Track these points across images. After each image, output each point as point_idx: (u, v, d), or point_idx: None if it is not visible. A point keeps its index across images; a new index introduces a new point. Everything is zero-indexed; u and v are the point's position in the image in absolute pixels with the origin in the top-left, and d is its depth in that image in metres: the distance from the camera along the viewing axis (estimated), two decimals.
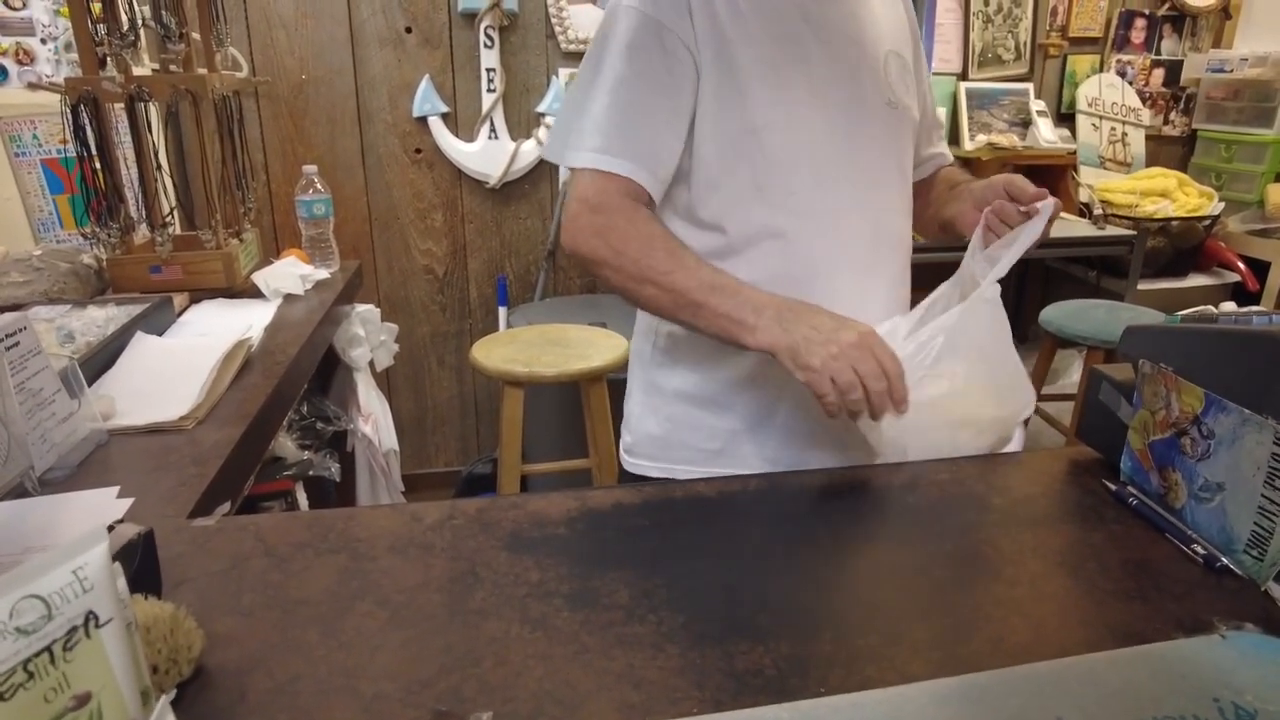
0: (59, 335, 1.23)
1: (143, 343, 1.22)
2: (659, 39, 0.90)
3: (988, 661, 0.58)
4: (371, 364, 1.82)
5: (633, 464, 1.11)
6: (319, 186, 1.71)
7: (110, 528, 0.64)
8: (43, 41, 2.33)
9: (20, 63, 2.34)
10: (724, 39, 0.91)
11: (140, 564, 0.62)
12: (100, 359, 1.15)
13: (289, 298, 1.55)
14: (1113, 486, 0.82)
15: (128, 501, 0.77)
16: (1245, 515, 0.69)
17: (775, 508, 0.80)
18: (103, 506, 0.74)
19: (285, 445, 1.53)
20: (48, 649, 0.34)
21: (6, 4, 2.27)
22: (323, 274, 1.66)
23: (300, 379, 1.35)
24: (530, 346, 1.74)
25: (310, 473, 1.50)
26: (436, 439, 2.68)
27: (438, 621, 0.62)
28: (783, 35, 0.93)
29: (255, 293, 1.55)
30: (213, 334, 1.30)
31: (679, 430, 1.05)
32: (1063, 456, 0.90)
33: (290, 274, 1.58)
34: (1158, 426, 0.79)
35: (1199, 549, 0.71)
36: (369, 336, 1.75)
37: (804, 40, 0.94)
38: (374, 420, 1.75)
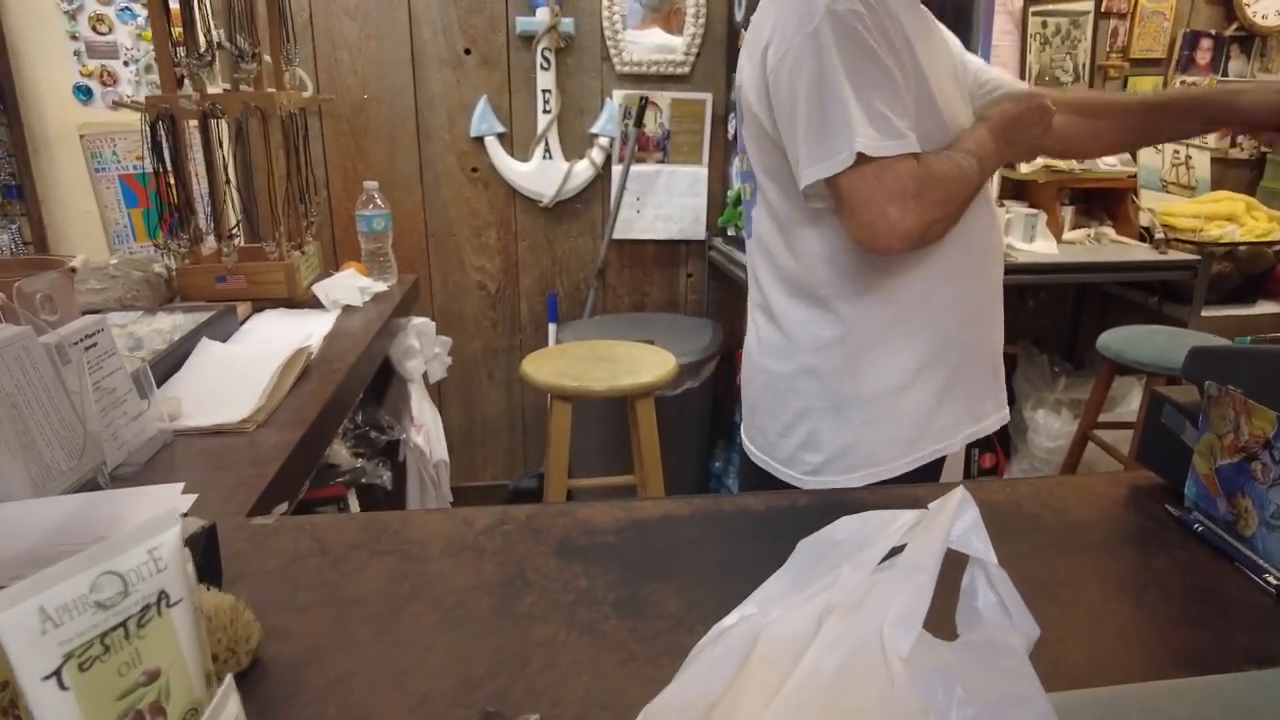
0: (128, 340, 1.28)
1: (208, 348, 1.27)
2: (885, 39, 0.96)
3: (1045, 685, 0.56)
4: (425, 376, 1.85)
5: (822, 482, 1.11)
6: (379, 202, 1.75)
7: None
8: (125, 64, 2.45)
9: (104, 84, 2.47)
10: (908, 39, 0.99)
11: (204, 556, 0.64)
12: (168, 363, 1.19)
13: (347, 309, 1.59)
14: (1176, 512, 0.80)
15: (192, 497, 0.80)
16: None
17: (823, 524, 0.79)
18: (169, 501, 0.77)
19: (339, 452, 1.57)
20: (123, 624, 0.35)
21: (94, 29, 2.40)
22: (380, 287, 1.71)
23: (356, 388, 1.39)
24: (580, 362, 1.76)
25: (363, 480, 1.53)
26: (484, 452, 2.71)
27: (487, 624, 0.63)
28: (932, 40, 1.05)
29: (315, 303, 1.60)
30: (274, 341, 1.34)
31: (876, 430, 1.09)
32: (1122, 481, 0.87)
33: (349, 286, 1.63)
34: (1225, 451, 0.76)
35: (1271, 579, 0.69)
36: (423, 349, 1.79)
37: (941, 54, 1.07)
38: (426, 431, 1.78)
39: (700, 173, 2.54)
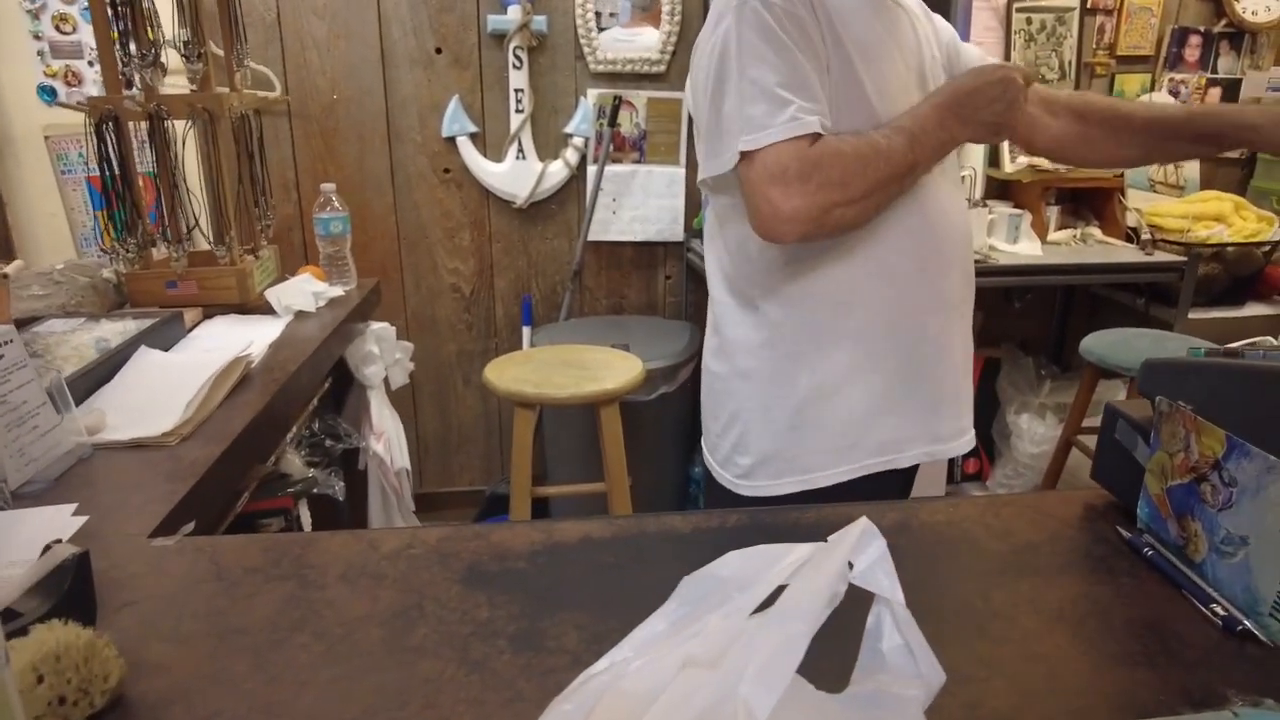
0: (66, 349, 1.24)
1: (145, 357, 1.23)
2: (798, 27, 0.93)
3: None
4: (387, 382, 1.81)
5: (752, 487, 1.08)
6: (336, 204, 1.71)
7: (48, 548, 0.63)
8: (90, 64, 2.41)
9: (69, 84, 2.43)
10: (837, 33, 0.95)
11: (72, 586, 0.60)
12: (101, 372, 1.15)
13: (301, 314, 1.55)
14: (1127, 534, 0.75)
15: (81, 520, 0.75)
16: (1271, 573, 0.62)
17: (749, 545, 0.75)
18: (55, 524, 0.73)
19: (292, 462, 1.52)
20: None
21: (57, 28, 2.36)
22: (336, 291, 1.66)
23: (299, 396, 1.34)
24: (545, 367, 1.72)
25: (315, 490, 1.49)
26: (460, 458, 2.67)
27: (373, 658, 0.59)
28: (876, 32, 0.99)
29: (270, 309, 1.55)
30: (219, 349, 1.29)
31: (803, 435, 1.05)
32: (1076, 499, 0.83)
33: (303, 291, 1.58)
34: (1176, 470, 0.72)
35: (1219, 609, 0.64)
36: (383, 354, 1.74)
37: (888, 39, 1.01)
38: (386, 439, 1.73)
39: (678, 173, 2.50)
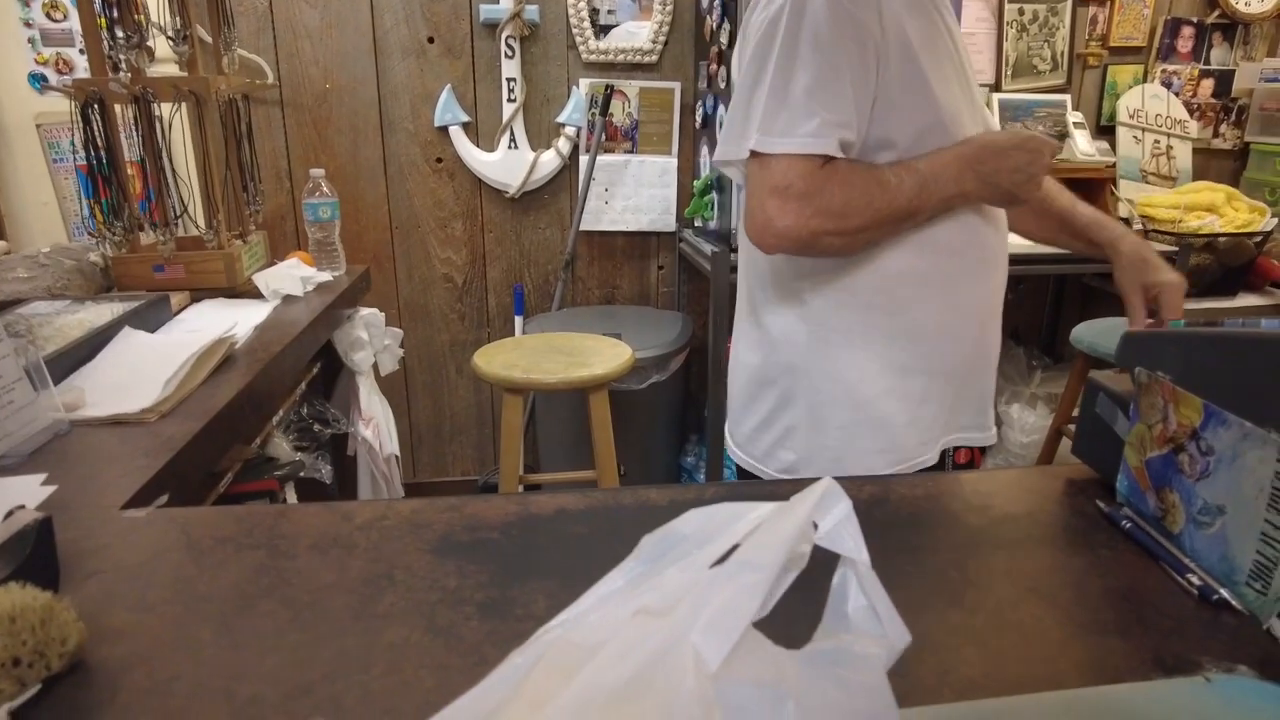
0: (50, 330, 1.24)
1: (128, 338, 1.22)
2: (854, 28, 0.89)
3: (928, 696, 0.51)
4: (377, 369, 1.81)
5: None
6: (325, 190, 1.71)
7: (10, 514, 0.62)
8: (80, 52, 2.40)
9: (60, 72, 2.42)
10: (905, 34, 0.91)
11: (34, 551, 0.60)
12: (82, 352, 1.15)
13: (289, 299, 1.54)
14: (1106, 508, 0.75)
15: (49, 489, 0.75)
16: (1247, 543, 0.61)
17: None
18: (22, 493, 0.72)
19: (280, 446, 1.52)
20: None
21: (48, 15, 2.35)
22: (325, 276, 1.66)
23: (284, 379, 1.34)
24: (533, 354, 1.71)
25: (301, 474, 1.49)
26: (454, 447, 2.66)
27: (338, 624, 0.58)
28: (936, 36, 0.96)
29: (258, 294, 1.55)
30: (203, 331, 1.29)
31: (858, 436, 1.03)
32: (1058, 475, 0.82)
33: (290, 275, 1.58)
34: (1155, 442, 0.71)
35: (1195, 579, 0.64)
36: (372, 340, 1.74)
37: (947, 43, 0.98)
38: (375, 425, 1.73)
39: (670, 163, 2.49)
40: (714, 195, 2.28)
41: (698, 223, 2.41)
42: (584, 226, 2.49)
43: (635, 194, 2.49)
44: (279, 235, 2.32)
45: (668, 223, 2.53)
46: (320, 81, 2.35)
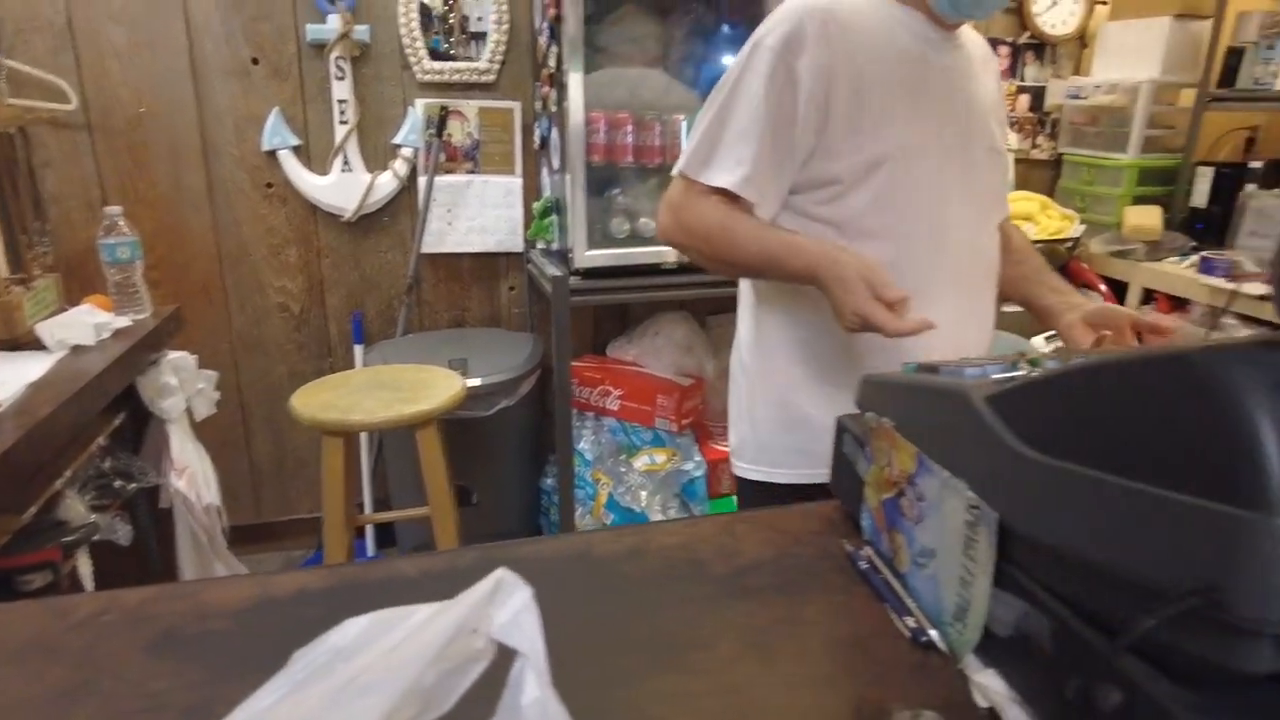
0: None
1: None
2: (790, 80, 1.01)
3: None
4: (191, 415, 1.71)
5: (745, 470, 1.23)
6: (123, 228, 1.60)
7: None
8: None
9: None
10: (859, 76, 1.02)
11: None
12: None
13: (77, 349, 1.43)
14: (849, 548, 0.78)
15: None
16: (951, 585, 0.65)
17: (469, 589, 0.73)
18: None
19: (74, 507, 1.41)
20: None
21: None
22: (124, 322, 1.55)
23: (62, 438, 1.24)
24: (355, 392, 1.65)
25: (95, 538, 1.39)
26: (298, 484, 2.55)
27: None
28: (908, 76, 1.05)
29: (41, 345, 1.44)
30: None
31: (770, 431, 1.19)
32: (816, 514, 0.85)
33: (82, 323, 1.47)
34: (885, 485, 0.75)
35: (911, 621, 0.67)
36: (183, 385, 1.64)
37: (926, 82, 1.06)
38: (189, 474, 1.63)
39: (514, 183, 2.47)
40: (554, 217, 2.27)
41: (540, 244, 2.40)
42: (427, 249, 2.43)
43: (480, 214, 2.46)
44: (86, 275, 2.14)
45: (515, 243, 2.51)
46: (133, 104, 2.20)
